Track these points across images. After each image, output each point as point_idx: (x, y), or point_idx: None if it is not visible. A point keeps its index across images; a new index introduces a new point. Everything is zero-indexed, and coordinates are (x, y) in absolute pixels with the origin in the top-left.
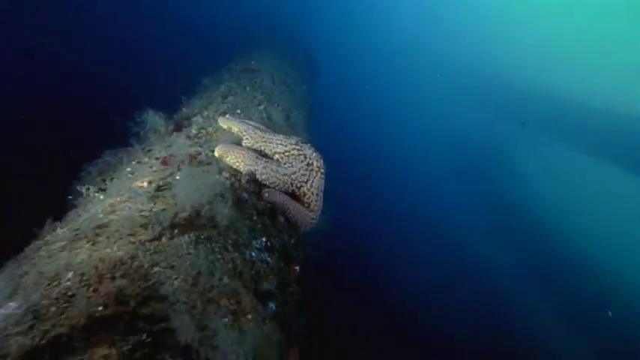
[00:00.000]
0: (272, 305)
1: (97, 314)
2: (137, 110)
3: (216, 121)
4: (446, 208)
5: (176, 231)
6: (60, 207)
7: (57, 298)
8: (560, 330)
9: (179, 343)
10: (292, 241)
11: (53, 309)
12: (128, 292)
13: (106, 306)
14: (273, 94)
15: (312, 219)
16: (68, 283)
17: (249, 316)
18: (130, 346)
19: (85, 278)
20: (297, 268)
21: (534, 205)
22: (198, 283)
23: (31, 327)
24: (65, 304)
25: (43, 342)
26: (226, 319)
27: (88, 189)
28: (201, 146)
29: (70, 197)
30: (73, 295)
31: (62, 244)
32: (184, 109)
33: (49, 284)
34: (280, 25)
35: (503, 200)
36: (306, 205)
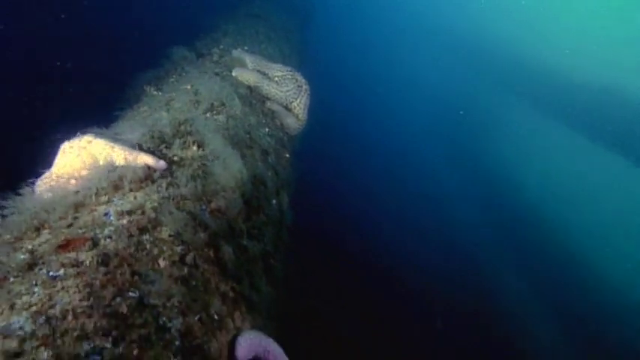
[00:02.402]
0: (270, 159)
1: (183, 141)
2: (163, 47)
3: (230, 53)
4: (431, 176)
5: (214, 112)
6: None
7: (163, 129)
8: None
9: (219, 155)
10: (285, 138)
11: (159, 131)
12: (195, 134)
13: (189, 135)
14: (272, 37)
15: (300, 125)
16: (165, 124)
17: (259, 163)
18: (203, 150)
19: (173, 124)
20: (288, 155)
21: (522, 181)
22: (231, 135)
23: (152, 137)
24: (164, 133)
25: (160, 138)
26: (246, 157)
27: (150, 89)
28: (221, 68)
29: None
30: (167, 131)
31: (149, 112)
32: (200, 43)
33: (154, 125)
34: None
35: (490, 173)
36: (296, 115)
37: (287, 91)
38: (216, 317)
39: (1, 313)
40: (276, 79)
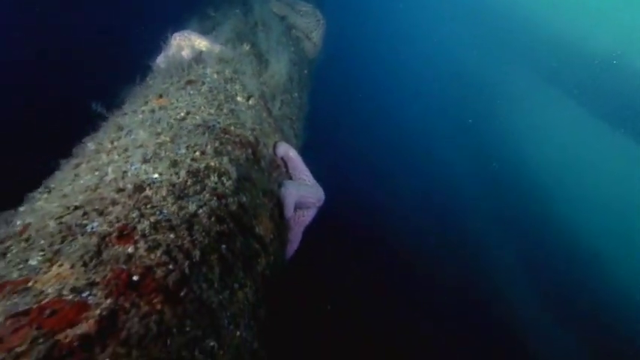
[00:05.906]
0: (296, 68)
1: (240, 42)
2: None
3: None
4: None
5: (259, 29)
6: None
7: (225, 35)
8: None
9: (269, 48)
10: (305, 60)
11: (223, 36)
12: (246, 39)
13: (243, 39)
14: None
15: (316, 51)
16: (226, 30)
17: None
18: (253, 48)
19: (231, 32)
20: (306, 71)
21: (529, 159)
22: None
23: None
24: (227, 37)
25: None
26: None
27: (210, 10)
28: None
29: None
30: (230, 36)
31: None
32: None
33: (217, 33)
34: None
35: (497, 154)
36: (314, 43)
37: (308, 22)
38: (266, 131)
39: (164, 107)
40: (301, 13)
